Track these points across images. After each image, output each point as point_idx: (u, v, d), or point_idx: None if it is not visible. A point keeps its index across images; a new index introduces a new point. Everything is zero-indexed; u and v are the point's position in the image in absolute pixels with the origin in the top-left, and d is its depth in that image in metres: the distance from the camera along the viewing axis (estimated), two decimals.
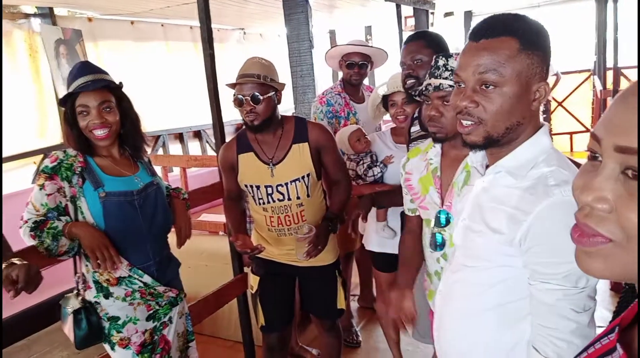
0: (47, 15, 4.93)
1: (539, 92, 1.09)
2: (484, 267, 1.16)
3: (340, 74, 3.33)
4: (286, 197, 2.15)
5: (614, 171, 0.53)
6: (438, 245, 1.64)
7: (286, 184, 2.14)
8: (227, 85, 2.22)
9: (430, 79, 1.60)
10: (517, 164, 1.11)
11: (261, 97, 2.00)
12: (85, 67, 1.79)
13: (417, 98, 1.76)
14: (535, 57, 1.07)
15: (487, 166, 1.21)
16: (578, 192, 0.57)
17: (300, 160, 2.14)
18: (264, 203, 2.18)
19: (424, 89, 1.61)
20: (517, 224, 1.06)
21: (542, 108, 1.17)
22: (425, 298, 1.90)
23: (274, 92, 2.07)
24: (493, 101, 1.07)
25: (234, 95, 2.05)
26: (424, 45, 2.08)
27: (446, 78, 1.55)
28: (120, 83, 1.84)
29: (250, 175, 2.18)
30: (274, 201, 2.17)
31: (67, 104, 1.76)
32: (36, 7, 4.92)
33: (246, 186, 2.21)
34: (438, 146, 1.69)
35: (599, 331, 1.01)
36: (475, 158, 1.25)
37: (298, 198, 2.16)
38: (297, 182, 2.14)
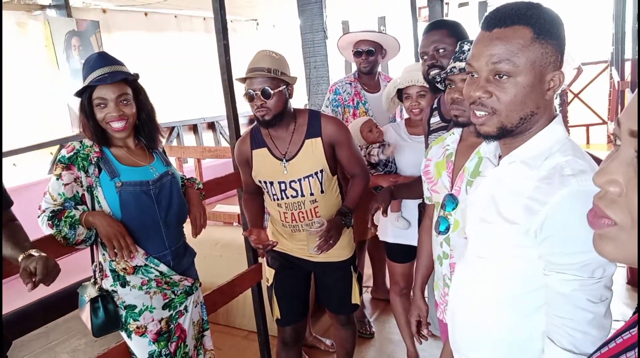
0: (63, 6, 4.97)
1: (553, 81, 1.07)
2: (499, 258, 1.15)
3: (354, 65, 3.32)
4: (299, 193, 2.13)
5: (629, 155, 0.54)
6: (442, 229, 1.64)
7: (299, 180, 2.11)
8: (237, 79, 2.21)
9: (454, 62, 1.60)
10: (531, 154, 1.10)
11: (272, 92, 1.95)
12: (102, 59, 1.79)
13: (439, 86, 1.76)
14: (549, 46, 1.05)
15: (500, 157, 1.19)
16: (595, 175, 0.58)
17: (314, 156, 2.10)
18: (277, 199, 2.16)
19: (448, 71, 1.61)
20: (533, 214, 1.04)
21: (558, 100, 1.15)
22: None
23: (285, 86, 2.01)
24: (507, 91, 1.05)
25: (245, 89, 2.01)
26: (447, 34, 2.04)
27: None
28: (137, 74, 1.85)
29: (264, 171, 2.16)
30: (287, 198, 2.14)
31: (84, 95, 1.77)
32: None
33: (260, 181, 2.19)
34: (457, 133, 1.68)
35: (615, 325, 1.00)
36: (488, 149, 1.24)
37: (312, 194, 2.13)
38: (310, 178, 2.11)
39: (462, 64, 1.56)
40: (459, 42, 1.64)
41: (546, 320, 1.07)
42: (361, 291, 2.40)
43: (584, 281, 0.99)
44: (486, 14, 1.12)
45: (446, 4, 7.01)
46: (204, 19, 6.29)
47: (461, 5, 7.74)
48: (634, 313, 0.68)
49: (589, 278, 0.99)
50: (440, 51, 2.04)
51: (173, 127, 5.97)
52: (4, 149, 4.46)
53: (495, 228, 1.14)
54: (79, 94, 1.78)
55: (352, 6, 7.21)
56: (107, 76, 1.72)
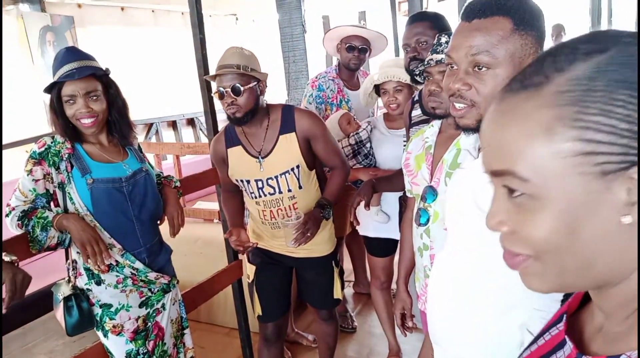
0: (36, 1, 4.87)
1: None
2: (477, 251, 1.15)
3: (335, 59, 3.27)
4: (277, 190, 2.10)
5: (501, 193, 0.54)
6: (422, 221, 1.64)
7: (276, 177, 2.08)
8: (206, 77, 2.17)
9: (432, 54, 1.60)
10: None
11: (242, 89, 1.90)
12: (70, 54, 1.75)
13: (418, 78, 1.75)
14: (529, 37, 1.04)
15: (479, 149, 1.19)
16: (486, 220, 0.58)
17: (289, 152, 2.07)
18: (256, 197, 2.14)
19: (425, 64, 1.60)
20: None
21: None
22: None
23: (256, 83, 1.96)
24: (486, 83, 1.05)
25: (215, 87, 1.97)
26: (429, 26, 2.04)
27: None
28: (107, 69, 1.81)
29: (240, 170, 2.13)
30: (265, 195, 2.11)
31: (52, 92, 1.73)
32: None
33: (237, 180, 2.16)
34: (436, 126, 1.68)
35: None
36: (468, 141, 1.24)
37: (289, 190, 2.10)
38: (286, 174, 2.08)
39: (440, 57, 1.56)
40: (437, 35, 1.64)
41: (525, 312, 1.08)
42: (343, 286, 2.39)
43: None
44: (466, 4, 1.11)
45: None
46: (182, 13, 6.21)
47: None
48: (562, 304, 0.68)
49: None
50: (422, 43, 2.04)
51: (152, 124, 5.90)
52: None
53: (474, 219, 1.14)
54: (47, 90, 1.74)
55: (332, 0, 7.19)
56: (75, 71, 1.69)
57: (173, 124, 6.33)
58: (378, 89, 2.48)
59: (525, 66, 0.54)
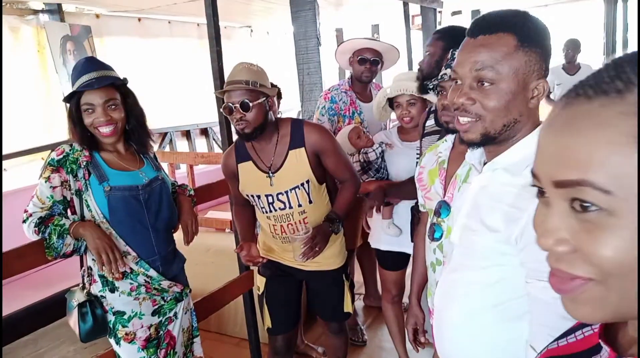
0: (56, 11, 4.95)
1: (537, 89, 1.08)
2: (482, 266, 1.15)
3: (348, 73, 3.30)
4: (287, 205, 2.10)
5: (563, 207, 0.49)
6: (436, 236, 1.64)
7: (286, 192, 2.08)
8: (215, 93, 2.20)
9: (445, 69, 1.61)
10: (513, 161, 1.10)
11: (251, 104, 1.91)
12: (89, 64, 1.78)
13: (432, 93, 1.77)
14: (533, 54, 1.05)
15: (485, 164, 1.20)
16: (538, 235, 0.53)
17: (298, 167, 2.07)
18: (266, 212, 2.14)
19: (439, 78, 1.62)
20: (514, 222, 1.04)
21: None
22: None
23: (264, 99, 1.97)
24: (490, 98, 1.06)
25: (224, 103, 1.98)
26: (436, 37, 2.06)
27: None
28: (125, 79, 1.84)
29: (250, 184, 2.13)
30: (275, 210, 2.11)
31: (72, 101, 1.76)
32: (44, 3, 4.95)
33: (247, 195, 2.17)
34: (450, 141, 1.68)
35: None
36: (473, 156, 1.24)
37: (300, 205, 2.10)
38: (296, 190, 2.08)
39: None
40: (451, 50, 1.65)
41: (529, 328, 1.07)
42: (353, 299, 2.39)
43: None
44: (473, 20, 1.12)
45: (439, 12, 7.06)
46: (198, 25, 6.29)
47: (454, 13, 7.80)
48: None
49: None
50: (427, 54, 2.06)
51: (166, 133, 5.95)
52: None
53: (479, 235, 1.14)
54: (67, 99, 1.77)
55: (346, 14, 7.24)
56: (94, 80, 1.72)
57: (187, 134, 6.38)
58: (392, 102, 2.49)
59: (596, 72, 0.50)
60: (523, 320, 1.09)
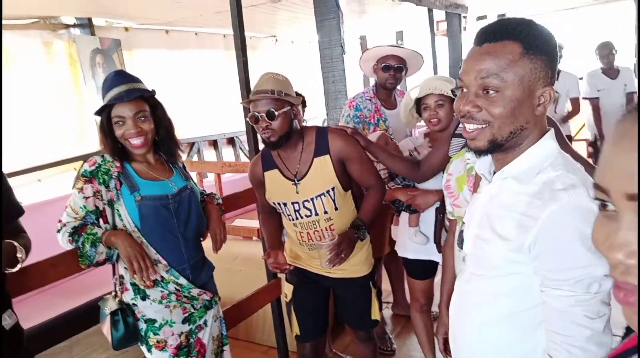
0: (86, 25, 5.09)
1: (543, 97, 1.07)
2: (495, 275, 1.14)
3: (372, 80, 3.30)
4: (313, 213, 2.11)
5: (633, 221, 0.49)
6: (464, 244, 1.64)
7: (312, 199, 2.09)
8: (242, 103, 2.22)
9: None
10: (523, 169, 1.09)
11: (276, 113, 1.94)
12: (118, 77, 1.83)
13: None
14: (539, 62, 1.05)
15: (494, 173, 1.19)
16: (604, 249, 0.52)
17: (323, 174, 2.09)
18: (292, 219, 2.15)
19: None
20: (526, 230, 1.04)
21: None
22: None
23: (289, 107, 2.01)
24: (496, 105, 1.06)
25: (250, 112, 2.01)
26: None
27: None
28: (153, 91, 1.88)
29: (277, 192, 2.15)
30: (301, 218, 2.13)
31: (102, 114, 1.81)
32: (75, 17, 5.09)
33: (274, 203, 2.19)
34: None
35: (616, 338, 0.98)
36: (483, 165, 1.23)
37: (325, 212, 2.11)
38: (322, 197, 2.09)
39: None
40: None
41: (545, 336, 1.06)
42: (381, 307, 2.37)
43: (579, 296, 0.98)
44: (479, 29, 1.13)
45: (464, 17, 7.02)
46: (224, 36, 6.38)
47: (479, 18, 7.73)
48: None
49: (585, 293, 0.98)
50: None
51: (193, 143, 6.03)
52: (30, 165, 4.56)
53: (490, 245, 1.13)
54: (98, 112, 1.82)
55: (370, 21, 7.25)
56: (123, 94, 1.76)
57: (214, 143, 6.46)
58: (419, 108, 2.46)
59: None
60: (539, 330, 1.08)
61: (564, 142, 2.02)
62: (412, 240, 2.48)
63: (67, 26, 5.11)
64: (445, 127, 2.29)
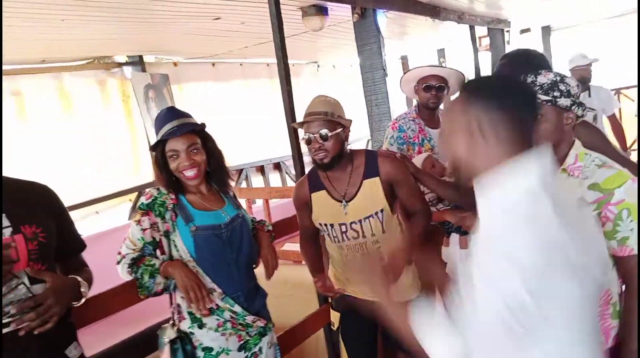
0: (137, 62, 5.35)
1: None
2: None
3: (415, 101, 3.29)
4: (361, 235, 2.11)
5: None
6: None
7: (360, 221, 2.09)
8: (294, 125, 2.27)
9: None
10: None
11: (329, 134, 1.99)
12: (170, 114, 1.92)
13: None
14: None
15: None
16: None
17: (373, 196, 2.09)
18: (339, 241, 2.16)
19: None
20: None
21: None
22: None
23: (341, 129, 2.04)
24: None
25: (304, 133, 2.06)
26: (505, 62, 2.06)
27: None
28: (203, 124, 1.96)
29: (324, 213, 2.16)
30: (348, 239, 2.13)
31: (157, 149, 1.89)
32: (127, 56, 5.35)
33: (320, 224, 2.20)
34: None
35: None
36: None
37: (373, 234, 2.11)
38: (370, 219, 2.09)
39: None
40: (523, 76, 1.58)
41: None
42: None
43: None
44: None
45: (507, 31, 6.93)
46: (267, 64, 6.55)
47: (523, 31, 7.60)
48: None
49: None
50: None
51: (242, 169, 6.17)
52: (88, 198, 4.78)
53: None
54: (153, 148, 1.90)
55: (411, 41, 7.26)
56: (176, 129, 1.84)
57: (261, 169, 6.58)
58: None
59: None
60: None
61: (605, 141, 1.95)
62: (463, 264, 2.43)
63: (120, 64, 5.38)
64: None
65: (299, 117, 2.40)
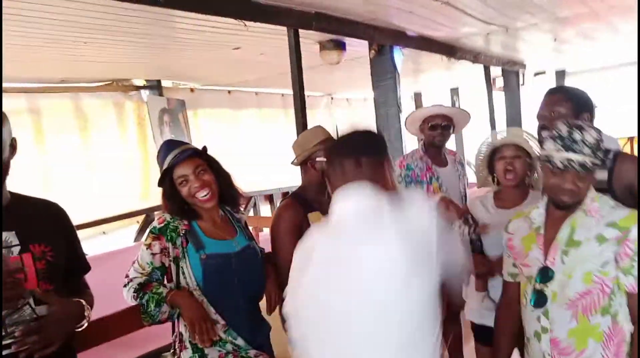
0: (155, 86, 5.43)
1: None
2: None
3: (419, 139, 3.30)
4: None
5: None
6: (540, 302, 1.63)
7: None
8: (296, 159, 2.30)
9: (567, 152, 1.53)
10: None
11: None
12: (170, 144, 1.96)
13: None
14: None
15: None
16: None
17: None
18: None
19: (565, 161, 1.53)
20: None
21: None
22: None
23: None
24: None
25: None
26: (564, 98, 2.03)
27: (586, 154, 1.52)
28: (205, 147, 1.98)
29: None
30: None
31: (165, 180, 1.90)
32: (145, 79, 5.44)
33: None
34: (542, 208, 1.70)
35: None
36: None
37: None
38: None
39: (580, 158, 1.52)
40: (568, 129, 1.56)
41: None
42: None
43: None
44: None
45: (522, 73, 6.97)
46: (282, 95, 6.63)
47: (537, 74, 7.64)
48: None
49: None
50: (553, 113, 2.00)
51: (251, 197, 6.17)
52: (96, 218, 4.78)
53: None
54: (160, 183, 1.91)
55: (425, 79, 7.33)
56: (179, 154, 1.86)
57: (270, 198, 6.58)
58: (491, 163, 2.26)
59: None
60: None
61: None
62: (480, 305, 2.37)
63: (137, 87, 5.47)
64: (519, 182, 2.17)
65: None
